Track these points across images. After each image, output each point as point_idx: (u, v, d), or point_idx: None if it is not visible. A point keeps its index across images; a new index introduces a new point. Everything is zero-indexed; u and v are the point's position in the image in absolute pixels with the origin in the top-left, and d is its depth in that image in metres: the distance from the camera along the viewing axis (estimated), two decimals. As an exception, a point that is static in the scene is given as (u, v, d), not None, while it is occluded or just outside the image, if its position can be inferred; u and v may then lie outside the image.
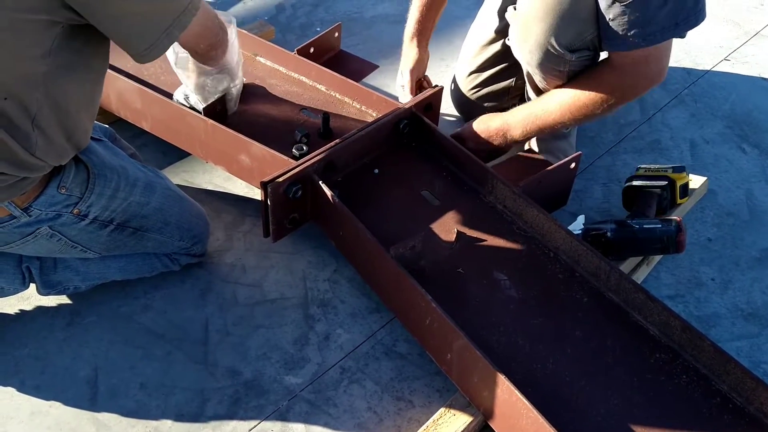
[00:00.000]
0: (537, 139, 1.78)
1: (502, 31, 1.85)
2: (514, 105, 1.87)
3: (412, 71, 1.80)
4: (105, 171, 1.32)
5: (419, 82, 1.84)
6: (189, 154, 1.82)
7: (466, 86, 1.98)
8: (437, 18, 1.83)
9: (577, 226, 1.57)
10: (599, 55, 1.57)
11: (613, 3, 1.40)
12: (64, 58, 1.13)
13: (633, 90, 1.54)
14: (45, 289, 1.44)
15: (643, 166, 1.71)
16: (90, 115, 1.27)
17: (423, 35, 1.81)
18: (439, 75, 2.22)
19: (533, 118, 1.64)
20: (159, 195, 1.43)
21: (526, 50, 1.56)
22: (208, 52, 1.44)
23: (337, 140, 1.59)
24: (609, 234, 1.53)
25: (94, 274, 1.46)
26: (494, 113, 1.74)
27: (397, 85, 1.88)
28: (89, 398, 1.35)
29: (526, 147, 1.82)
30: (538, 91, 1.70)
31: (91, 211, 1.31)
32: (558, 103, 1.59)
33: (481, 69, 1.94)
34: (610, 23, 1.42)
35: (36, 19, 1.05)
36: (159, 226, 1.43)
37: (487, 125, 1.73)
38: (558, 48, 1.50)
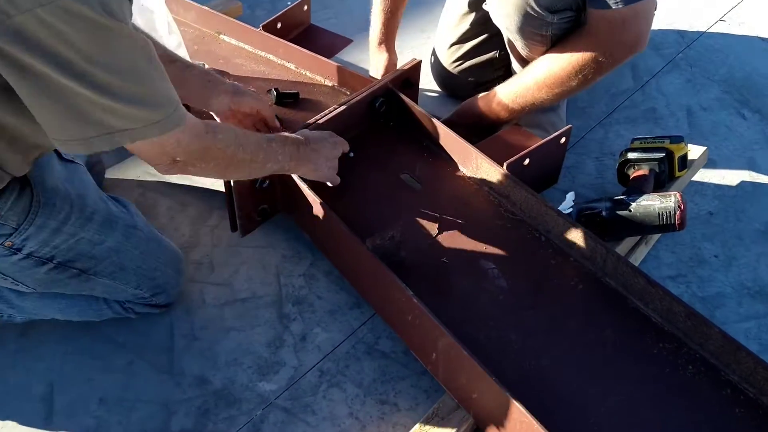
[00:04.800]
0: (524, 112, 1.67)
1: (483, -4, 1.73)
2: (500, 77, 1.76)
3: (384, 77, 1.68)
4: (55, 199, 1.14)
5: None
6: (151, 144, 1.69)
7: (448, 59, 1.86)
8: (401, 15, 1.71)
9: (567, 204, 1.46)
10: (584, 16, 1.45)
11: None
12: (4, 107, 0.97)
13: (610, 58, 1.42)
14: None
15: (638, 137, 1.59)
16: (26, 151, 1.07)
17: (390, 38, 1.71)
18: (418, 47, 2.09)
19: (513, 96, 1.55)
20: (119, 234, 1.23)
21: (504, 14, 1.46)
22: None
23: (307, 122, 1.47)
24: (604, 213, 1.42)
25: (30, 311, 1.31)
26: (479, 95, 1.64)
27: None
28: (44, 417, 1.24)
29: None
30: (523, 61, 1.59)
31: (27, 245, 1.11)
32: (533, 78, 1.50)
33: (462, 40, 1.82)
34: None
35: None
36: (111, 270, 1.24)
37: (473, 108, 1.64)
38: (537, 9, 1.40)
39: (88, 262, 1.21)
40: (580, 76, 1.44)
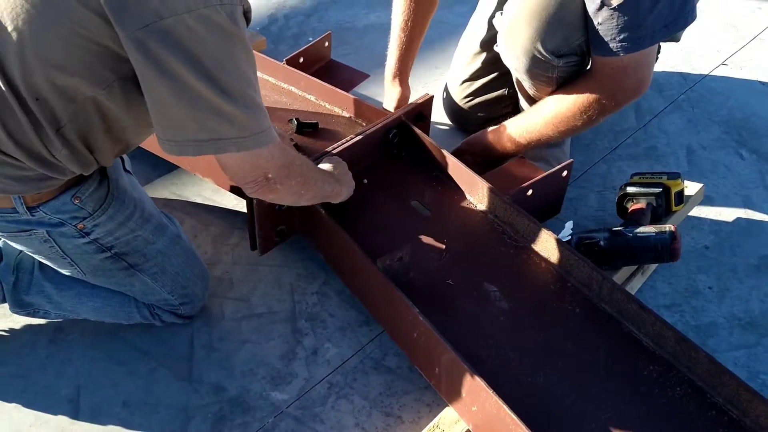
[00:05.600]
0: (530, 147, 1.76)
1: (493, 38, 1.83)
2: (508, 114, 1.85)
3: (396, 110, 1.78)
4: (124, 197, 1.27)
5: None
6: (177, 167, 1.80)
7: (459, 95, 1.96)
8: (416, 52, 1.80)
9: (566, 232, 1.54)
10: (588, 60, 1.55)
11: (601, 7, 1.38)
12: (118, 97, 1.05)
13: (613, 101, 1.50)
14: (15, 308, 1.41)
15: (637, 173, 1.68)
16: (116, 142, 1.18)
17: (404, 73, 1.80)
18: (432, 83, 2.20)
19: (520, 131, 1.63)
20: (167, 239, 1.35)
21: (513, 56, 1.54)
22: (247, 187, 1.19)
23: (325, 150, 1.57)
24: (602, 243, 1.49)
25: (66, 307, 1.41)
26: (489, 128, 1.73)
27: None
28: (71, 417, 1.33)
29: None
30: (530, 99, 1.68)
31: (95, 231, 1.24)
32: (541, 116, 1.58)
33: (473, 77, 1.92)
34: (599, 28, 1.40)
35: (101, 44, 0.98)
36: (154, 271, 1.35)
37: (482, 140, 1.72)
38: (544, 53, 1.48)
39: (139, 258, 1.32)
40: (585, 116, 1.52)
